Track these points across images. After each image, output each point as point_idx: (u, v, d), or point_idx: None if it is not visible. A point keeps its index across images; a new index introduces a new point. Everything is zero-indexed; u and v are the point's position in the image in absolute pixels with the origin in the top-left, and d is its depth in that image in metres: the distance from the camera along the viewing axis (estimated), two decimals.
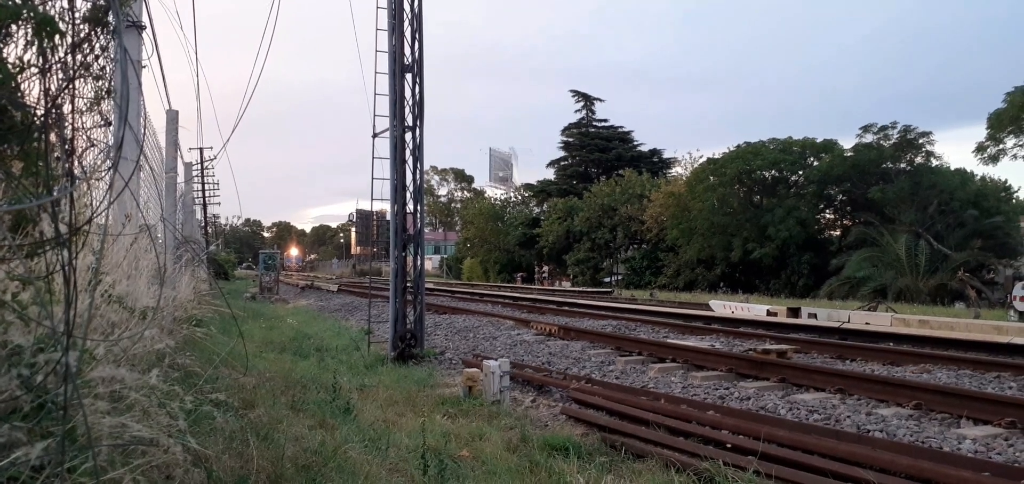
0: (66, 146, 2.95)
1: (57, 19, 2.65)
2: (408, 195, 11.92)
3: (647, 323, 16.48)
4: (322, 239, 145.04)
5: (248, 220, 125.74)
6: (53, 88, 2.68)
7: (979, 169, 39.14)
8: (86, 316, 3.05)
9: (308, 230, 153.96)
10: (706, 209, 41.10)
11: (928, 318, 16.51)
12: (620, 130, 65.21)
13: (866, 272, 33.46)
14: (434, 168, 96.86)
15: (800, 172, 41.27)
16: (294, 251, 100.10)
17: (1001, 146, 35.20)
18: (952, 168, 37.67)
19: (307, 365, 10.09)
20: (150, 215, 8.42)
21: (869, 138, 38.50)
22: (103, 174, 3.47)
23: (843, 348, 11.44)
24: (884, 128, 37.93)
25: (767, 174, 41.84)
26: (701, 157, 50.97)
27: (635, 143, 64.38)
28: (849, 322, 15.75)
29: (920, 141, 37.22)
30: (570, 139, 66.61)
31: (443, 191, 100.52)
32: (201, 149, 39.62)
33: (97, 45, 2.98)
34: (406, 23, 11.79)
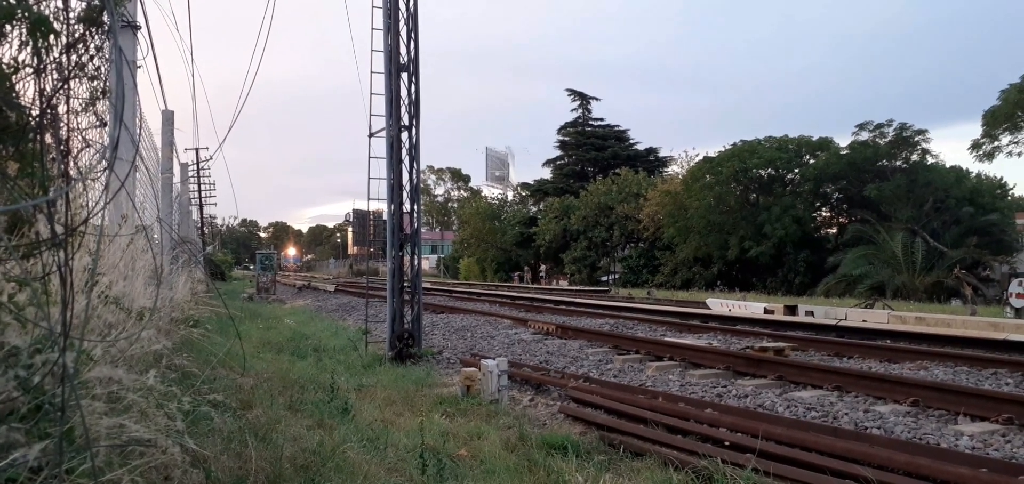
0: (62, 147, 2.94)
1: (52, 19, 2.64)
2: (405, 194, 11.91)
3: (644, 321, 16.49)
4: (319, 239, 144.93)
5: (245, 220, 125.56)
6: (48, 88, 2.67)
7: (974, 166, 39.33)
8: (83, 317, 3.04)
9: (305, 230, 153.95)
10: (703, 207, 41.12)
11: (925, 315, 16.54)
12: (616, 129, 65.25)
13: (862, 270, 33.52)
14: (431, 167, 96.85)
15: (796, 170, 41.31)
16: (292, 251, 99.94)
17: (996, 143, 35.30)
18: (948, 166, 37.76)
19: (305, 365, 10.08)
20: (146, 216, 8.41)
21: (865, 136, 38.57)
22: (99, 175, 3.45)
23: (840, 345, 11.45)
24: (880, 126, 37.99)
25: (763, 172, 41.87)
26: (697, 155, 51.04)
27: (631, 142, 64.41)
28: (846, 320, 15.77)
29: (916, 139, 37.27)
30: (566, 138, 66.62)
31: (440, 190, 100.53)
32: (197, 149, 39.58)
33: (92, 45, 2.97)
34: (402, 22, 11.78)
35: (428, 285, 32.86)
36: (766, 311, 18.64)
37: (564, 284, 48.57)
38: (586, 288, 40.26)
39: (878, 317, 16.40)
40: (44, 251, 2.60)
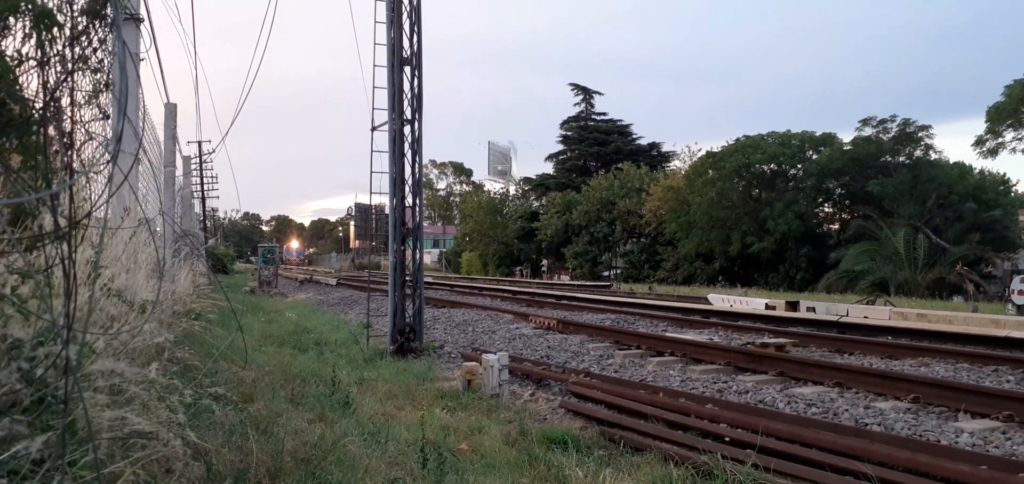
0: (65, 139, 2.95)
1: (55, 12, 2.65)
2: (407, 188, 11.91)
3: (646, 317, 16.50)
4: (321, 232, 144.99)
5: (247, 214, 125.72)
6: (52, 81, 2.67)
7: (978, 163, 39.21)
8: (86, 310, 3.05)
9: (307, 223, 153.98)
10: (705, 203, 41.07)
11: (926, 312, 16.53)
12: (619, 123, 65.18)
13: (864, 266, 33.48)
14: (433, 162, 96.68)
15: (799, 166, 41.25)
16: (295, 244, 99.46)
17: (1000, 140, 35.21)
18: (951, 162, 37.69)
19: (306, 359, 10.10)
20: (149, 209, 8.42)
21: (868, 131, 38.50)
22: (102, 167, 3.46)
23: (841, 342, 11.45)
24: (883, 121, 37.92)
25: (766, 168, 41.82)
26: (700, 151, 51.01)
27: (634, 136, 64.34)
28: (847, 316, 15.76)
29: (919, 135, 37.20)
30: (569, 132, 66.56)
31: (442, 185, 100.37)
32: (199, 142, 39.60)
33: (95, 38, 2.98)
34: (405, 15, 11.77)
35: (430, 279, 32.88)
36: (767, 307, 18.64)
37: (566, 279, 48.58)
38: (588, 283, 40.26)
39: (879, 313, 16.39)
40: (47, 244, 2.61)
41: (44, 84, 2.65)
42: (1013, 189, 39.85)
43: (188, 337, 7.68)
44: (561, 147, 67.25)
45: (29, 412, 2.51)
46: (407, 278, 12.00)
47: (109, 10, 2.91)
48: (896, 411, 7.08)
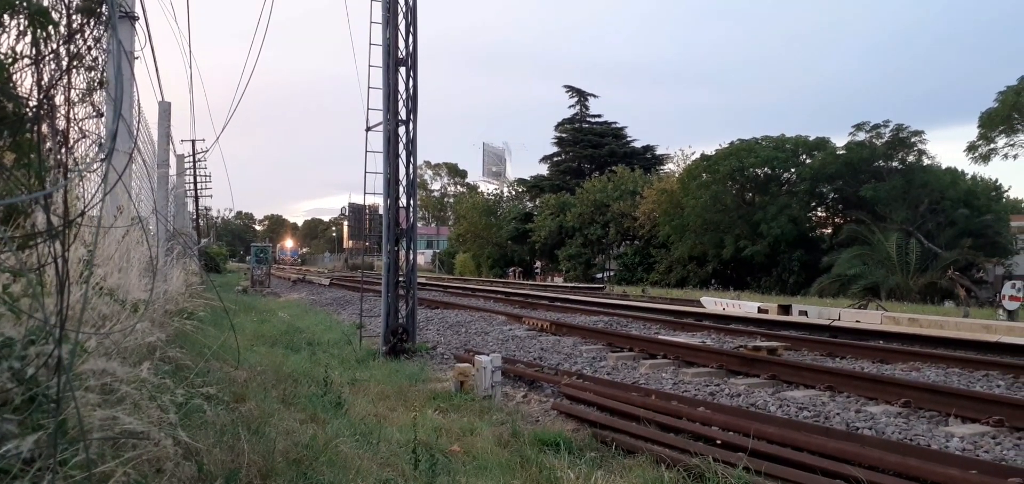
0: (59, 138, 2.94)
1: (50, 10, 2.64)
2: (401, 189, 11.91)
3: (639, 319, 16.52)
4: (314, 232, 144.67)
5: (240, 213, 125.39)
6: (46, 79, 2.67)
7: (970, 168, 39.34)
8: (78, 309, 3.04)
9: (300, 223, 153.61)
10: (699, 206, 41.15)
11: (918, 316, 16.60)
12: (614, 126, 65.26)
13: (857, 270, 33.59)
14: (427, 162, 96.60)
15: (792, 170, 41.37)
16: (289, 243, 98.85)
17: (992, 145, 35.41)
18: (943, 167, 37.87)
19: (298, 359, 10.08)
20: (142, 208, 8.39)
21: (861, 136, 38.61)
22: (96, 166, 3.45)
23: (833, 346, 11.49)
24: (876, 126, 38.04)
25: (760, 171, 41.91)
26: (694, 154, 51.11)
27: (628, 139, 64.42)
28: (839, 320, 15.81)
29: (912, 140, 37.34)
30: (563, 134, 66.61)
31: (436, 186, 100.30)
32: (193, 141, 39.44)
33: (90, 36, 2.97)
34: (400, 16, 11.77)
35: (423, 280, 32.86)
36: (760, 310, 18.68)
37: (559, 281, 48.60)
38: (581, 285, 40.28)
39: (871, 318, 16.45)
40: (40, 242, 2.60)
41: (38, 82, 2.64)
42: (1005, 195, 40.10)
43: (180, 336, 7.66)
44: (555, 149, 67.34)
45: (20, 411, 2.51)
46: (400, 279, 12.00)
47: (104, 8, 2.90)
48: (887, 415, 7.10)
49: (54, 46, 2.68)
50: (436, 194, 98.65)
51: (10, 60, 2.62)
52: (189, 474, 3.32)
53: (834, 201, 42.07)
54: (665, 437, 6.27)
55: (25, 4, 2.51)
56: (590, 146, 63.74)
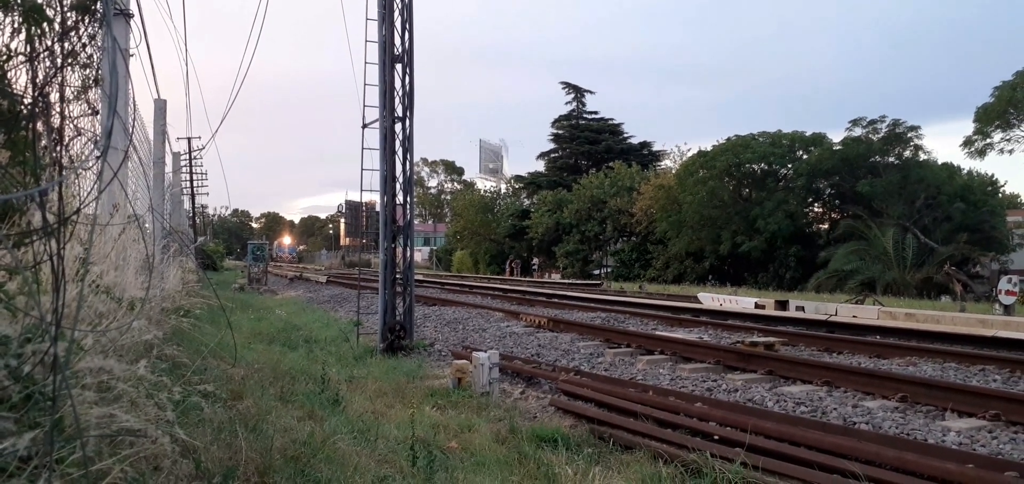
0: (54, 135, 2.93)
1: (45, 6, 2.63)
2: (398, 186, 11.90)
3: (636, 315, 16.53)
4: (311, 230, 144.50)
5: (236, 210, 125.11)
6: (41, 76, 2.66)
7: (966, 163, 39.46)
8: (74, 306, 3.04)
9: (297, 221, 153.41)
10: (695, 202, 41.16)
11: (914, 311, 16.63)
12: (610, 122, 65.24)
13: (853, 265, 33.64)
14: (424, 159, 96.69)
15: (789, 165, 41.38)
16: (287, 240, 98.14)
17: (988, 140, 35.45)
18: (940, 162, 37.91)
19: (296, 356, 10.08)
20: (138, 205, 8.37)
21: (858, 132, 38.65)
22: (91, 164, 3.45)
23: (830, 341, 11.51)
24: (873, 122, 38.09)
25: (756, 167, 41.94)
26: (690, 150, 51.14)
27: (625, 135, 64.41)
28: (836, 315, 15.84)
29: (908, 135, 37.38)
30: (560, 131, 66.58)
31: (433, 182, 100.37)
32: (189, 139, 39.36)
33: (85, 33, 2.96)
34: (396, 12, 11.75)
35: (420, 277, 32.85)
36: (757, 306, 18.70)
37: (556, 277, 48.61)
38: (578, 282, 40.31)
39: (868, 313, 16.48)
40: (35, 240, 2.60)
41: (33, 79, 2.63)
42: (1001, 190, 40.14)
43: (177, 334, 7.65)
44: (552, 146, 67.29)
45: (16, 409, 2.50)
46: (398, 276, 11.99)
47: (99, 5, 2.89)
48: (884, 410, 7.12)
49: (49, 43, 2.67)
50: (433, 191, 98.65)
51: (4, 57, 2.61)
52: (186, 471, 3.32)
53: (831, 197, 42.12)
54: (662, 433, 6.28)
55: (19, 1, 2.50)
56: (587, 142, 63.72)
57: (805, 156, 40.80)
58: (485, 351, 8.63)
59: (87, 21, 2.91)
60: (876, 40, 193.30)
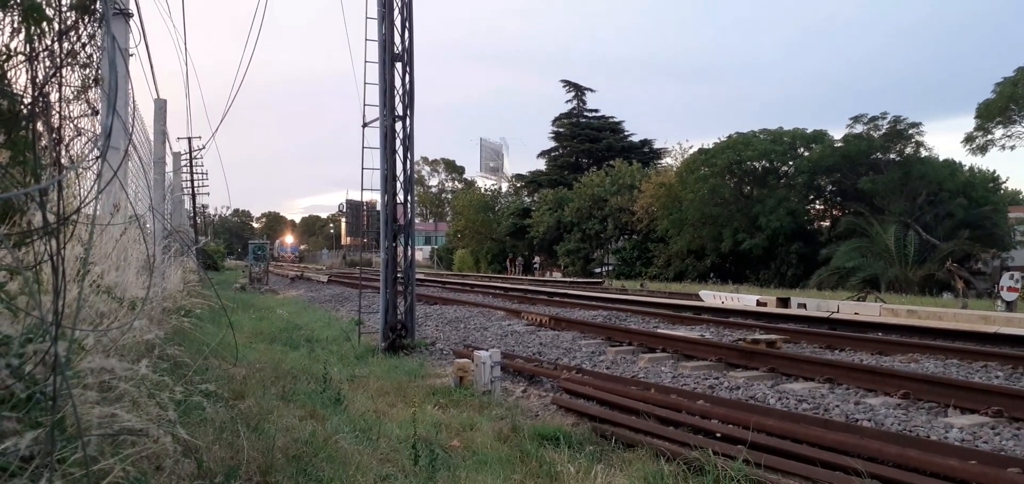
0: (54, 135, 2.93)
1: (44, 6, 2.63)
2: (398, 185, 11.89)
3: (637, 313, 16.52)
4: (312, 229, 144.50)
5: (237, 210, 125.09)
6: (40, 76, 2.66)
7: (968, 160, 39.42)
8: (75, 306, 3.03)
9: (298, 220, 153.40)
10: (697, 200, 41.18)
11: (916, 308, 16.62)
12: (611, 120, 65.28)
13: (855, 262, 33.64)
14: (425, 158, 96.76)
15: (790, 162, 41.41)
16: (289, 239, 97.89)
17: (990, 137, 35.47)
18: (941, 159, 37.96)
19: (297, 356, 10.07)
20: (139, 205, 8.38)
21: (859, 129, 38.69)
22: (91, 163, 3.44)
23: (832, 338, 11.50)
24: (874, 119, 38.11)
25: (758, 164, 41.96)
26: (691, 148, 51.15)
27: (626, 133, 64.47)
28: (838, 312, 15.83)
29: (910, 132, 37.40)
30: (561, 129, 66.63)
31: (434, 181, 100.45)
32: (189, 139, 39.35)
33: (84, 33, 2.96)
34: (396, 10, 11.74)
35: (421, 276, 32.84)
36: (759, 303, 18.70)
37: (558, 276, 48.62)
38: (580, 280, 40.31)
39: (870, 310, 16.47)
40: (36, 240, 2.59)
41: (33, 79, 2.63)
42: (1002, 186, 40.12)
43: (178, 334, 7.65)
44: (553, 144, 67.36)
45: (18, 409, 2.50)
46: (399, 275, 11.99)
47: (98, 5, 2.89)
48: (886, 407, 7.11)
49: (48, 43, 2.67)
50: (434, 190, 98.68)
51: (4, 57, 2.61)
52: (188, 471, 3.32)
53: (832, 194, 42.14)
54: (664, 430, 6.27)
55: (19, 0, 2.50)
56: (588, 141, 63.76)
57: (806, 153, 40.81)
58: (487, 350, 8.62)
59: (86, 21, 2.91)
60: (878, 37, 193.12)
